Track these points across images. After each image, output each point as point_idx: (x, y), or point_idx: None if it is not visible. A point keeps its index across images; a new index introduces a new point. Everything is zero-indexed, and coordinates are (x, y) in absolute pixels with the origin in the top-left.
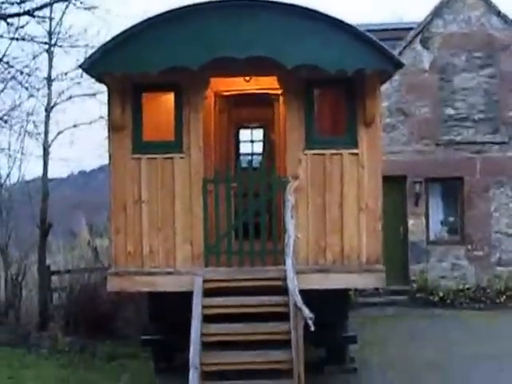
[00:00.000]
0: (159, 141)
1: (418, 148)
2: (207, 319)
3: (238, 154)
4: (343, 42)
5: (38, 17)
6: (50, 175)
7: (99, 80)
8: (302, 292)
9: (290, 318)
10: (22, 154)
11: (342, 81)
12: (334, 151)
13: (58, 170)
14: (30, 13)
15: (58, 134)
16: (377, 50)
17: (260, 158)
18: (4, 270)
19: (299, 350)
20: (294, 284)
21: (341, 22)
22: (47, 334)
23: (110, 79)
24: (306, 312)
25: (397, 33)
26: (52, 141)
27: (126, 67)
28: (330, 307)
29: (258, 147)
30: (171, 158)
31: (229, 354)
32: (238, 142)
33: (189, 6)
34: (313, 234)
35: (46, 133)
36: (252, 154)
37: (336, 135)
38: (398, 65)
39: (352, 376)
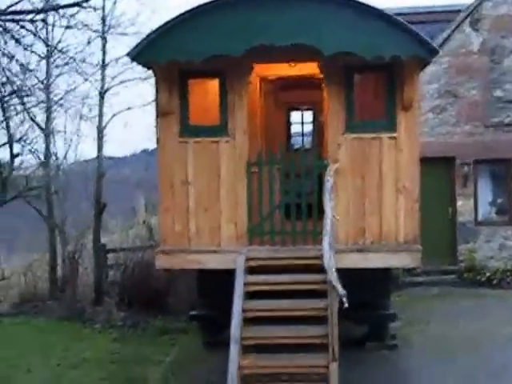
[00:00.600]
0: (205, 125)
1: (466, 130)
2: (249, 296)
3: (289, 135)
4: (379, 30)
5: (89, 7)
6: (112, 154)
7: (147, 67)
8: (343, 271)
9: (327, 295)
10: (78, 136)
11: (381, 66)
12: (373, 135)
13: (118, 150)
14: (79, 4)
15: (113, 116)
16: (412, 37)
17: (310, 139)
18: (62, 248)
19: (334, 326)
20: (329, 263)
21: (376, 9)
22: (102, 309)
23: (157, 67)
24: (340, 290)
25: (446, 15)
26: (107, 123)
27: (171, 56)
28: (371, 286)
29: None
30: (217, 141)
31: (268, 329)
32: (289, 123)
33: None
34: (352, 215)
35: (100, 115)
36: (303, 136)
37: (375, 119)
38: (433, 51)
39: (391, 352)
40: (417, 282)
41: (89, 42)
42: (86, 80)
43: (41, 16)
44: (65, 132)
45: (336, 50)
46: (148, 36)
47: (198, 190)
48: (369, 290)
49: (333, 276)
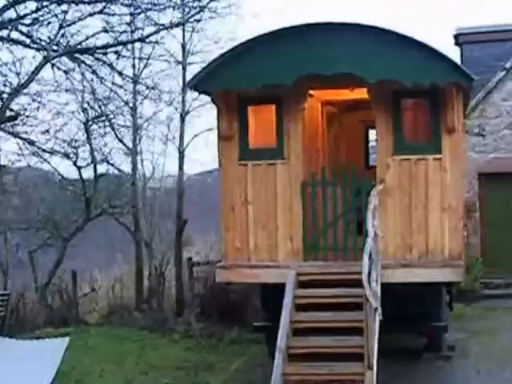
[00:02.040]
0: (263, 148)
1: None
2: (300, 308)
3: (367, 153)
4: (418, 58)
5: (150, 42)
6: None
7: (206, 95)
8: (394, 285)
9: None
10: (163, 156)
11: (425, 92)
12: (419, 156)
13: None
14: (141, 40)
15: (194, 137)
16: (449, 65)
17: None
18: (148, 261)
19: (369, 336)
20: (366, 278)
21: (414, 39)
22: (182, 320)
23: (215, 95)
24: (373, 303)
25: None
26: (188, 144)
27: (227, 85)
28: (423, 298)
29: None
30: (274, 163)
31: (313, 339)
32: (367, 141)
33: (279, 30)
34: (400, 232)
35: (181, 137)
36: None
37: (421, 142)
38: (470, 78)
39: (445, 363)
40: (495, 294)
41: (167, 71)
42: (169, 104)
43: (112, 49)
44: (152, 153)
45: (378, 78)
46: (205, 68)
47: (257, 209)
48: (420, 303)
49: (367, 290)
